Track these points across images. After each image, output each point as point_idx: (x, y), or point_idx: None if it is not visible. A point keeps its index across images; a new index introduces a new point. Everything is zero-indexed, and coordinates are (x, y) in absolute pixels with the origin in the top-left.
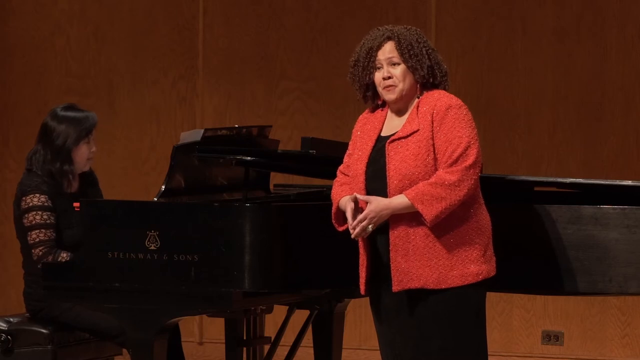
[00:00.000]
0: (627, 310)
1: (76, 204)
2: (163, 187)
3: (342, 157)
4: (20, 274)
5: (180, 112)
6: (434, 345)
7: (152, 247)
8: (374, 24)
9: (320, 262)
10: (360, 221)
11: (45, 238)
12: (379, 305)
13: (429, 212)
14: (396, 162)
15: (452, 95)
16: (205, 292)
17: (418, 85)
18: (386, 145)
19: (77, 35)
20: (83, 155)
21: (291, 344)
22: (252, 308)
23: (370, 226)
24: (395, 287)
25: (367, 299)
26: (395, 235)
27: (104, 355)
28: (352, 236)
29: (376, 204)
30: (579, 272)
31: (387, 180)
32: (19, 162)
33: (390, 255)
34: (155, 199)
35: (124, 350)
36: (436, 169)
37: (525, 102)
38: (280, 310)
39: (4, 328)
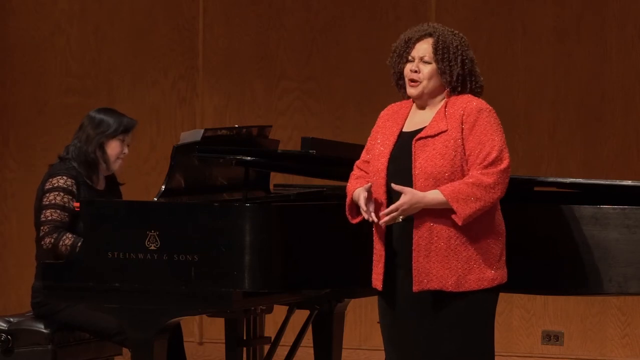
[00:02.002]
0: (627, 310)
1: (76, 204)
2: (163, 187)
3: (343, 157)
4: (20, 274)
5: (180, 112)
6: (445, 348)
7: (152, 247)
8: (374, 24)
9: (320, 262)
10: (392, 211)
11: (57, 218)
12: (391, 303)
13: (463, 211)
14: (422, 161)
15: (481, 100)
16: (205, 292)
17: (447, 89)
18: (413, 143)
19: (77, 35)
20: (114, 151)
21: (291, 344)
22: (252, 308)
23: (400, 217)
24: (416, 287)
25: (367, 299)
26: (419, 235)
27: (104, 355)
28: (380, 222)
29: (411, 196)
30: (579, 272)
31: (413, 178)
32: (19, 162)
33: (413, 255)
34: (155, 199)
35: (124, 350)
36: (463, 171)
37: (525, 102)
38: (280, 310)
39: (4, 328)
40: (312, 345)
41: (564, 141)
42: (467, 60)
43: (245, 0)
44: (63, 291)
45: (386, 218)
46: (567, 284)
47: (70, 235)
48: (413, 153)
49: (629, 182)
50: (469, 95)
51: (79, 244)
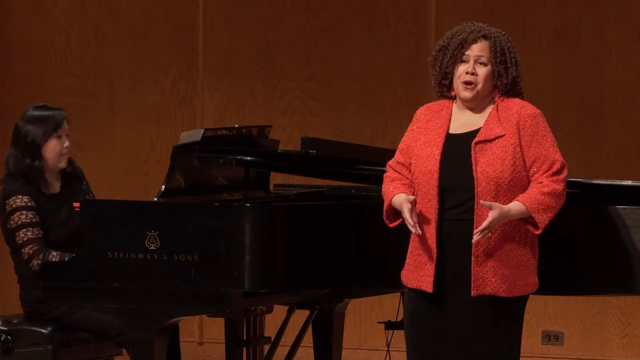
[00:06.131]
0: (627, 310)
1: (76, 204)
2: (163, 187)
3: (342, 157)
4: None
5: (180, 112)
6: (482, 348)
7: (152, 247)
8: (374, 24)
9: (320, 262)
10: (484, 229)
11: (33, 236)
12: (437, 305)
13: (542, 221)
14: (483, 165)
15: (530, 104)
16: (205, 292)
17: (497, 91)
18: (472, 146)
19: (77, 35)
20: (54, 151)
21: (291, 344)
22: (252, 308)
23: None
24: (474, 292)
25: (367, 299)
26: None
27: (104, 355)
28: (473, 241)
29: (499, 211)
30: (580, 273)
31: (475, 182)
32: None
33: (472, 259)
34: (155, 199)
35: (124, 350)
36: (522, 176)
37: None
38: (280, 310)
39: (4, 328)
40: (312, 345)
41: (564, 141)
42: (516, 61)
43: (245, 0)
44: (63, 291)
45: (479, 236)
46: (567, 284)
47: (55, 253)
48: (473, 157)
49: (629, 182)
50: (518, 99)
51: (66, 258)
